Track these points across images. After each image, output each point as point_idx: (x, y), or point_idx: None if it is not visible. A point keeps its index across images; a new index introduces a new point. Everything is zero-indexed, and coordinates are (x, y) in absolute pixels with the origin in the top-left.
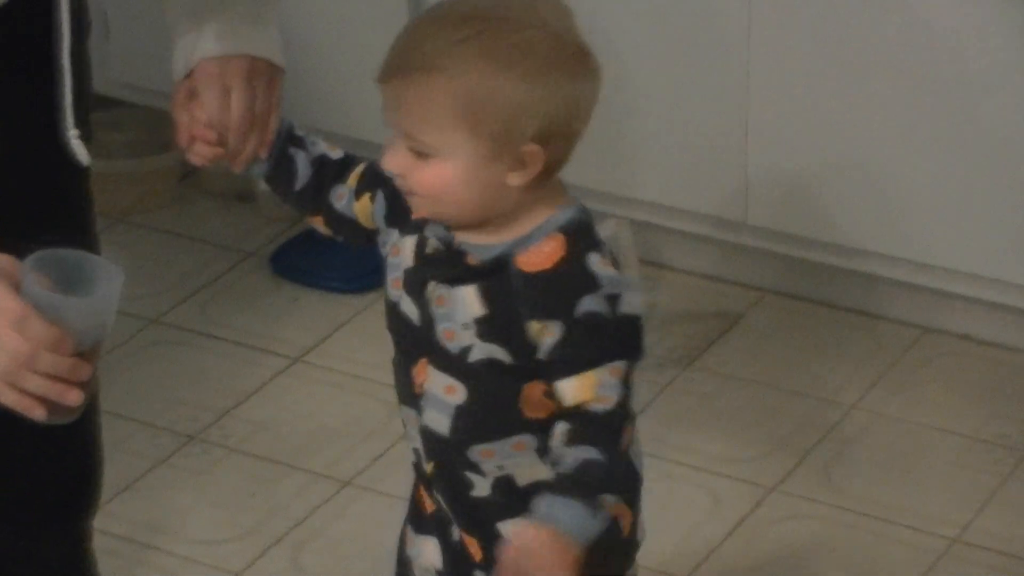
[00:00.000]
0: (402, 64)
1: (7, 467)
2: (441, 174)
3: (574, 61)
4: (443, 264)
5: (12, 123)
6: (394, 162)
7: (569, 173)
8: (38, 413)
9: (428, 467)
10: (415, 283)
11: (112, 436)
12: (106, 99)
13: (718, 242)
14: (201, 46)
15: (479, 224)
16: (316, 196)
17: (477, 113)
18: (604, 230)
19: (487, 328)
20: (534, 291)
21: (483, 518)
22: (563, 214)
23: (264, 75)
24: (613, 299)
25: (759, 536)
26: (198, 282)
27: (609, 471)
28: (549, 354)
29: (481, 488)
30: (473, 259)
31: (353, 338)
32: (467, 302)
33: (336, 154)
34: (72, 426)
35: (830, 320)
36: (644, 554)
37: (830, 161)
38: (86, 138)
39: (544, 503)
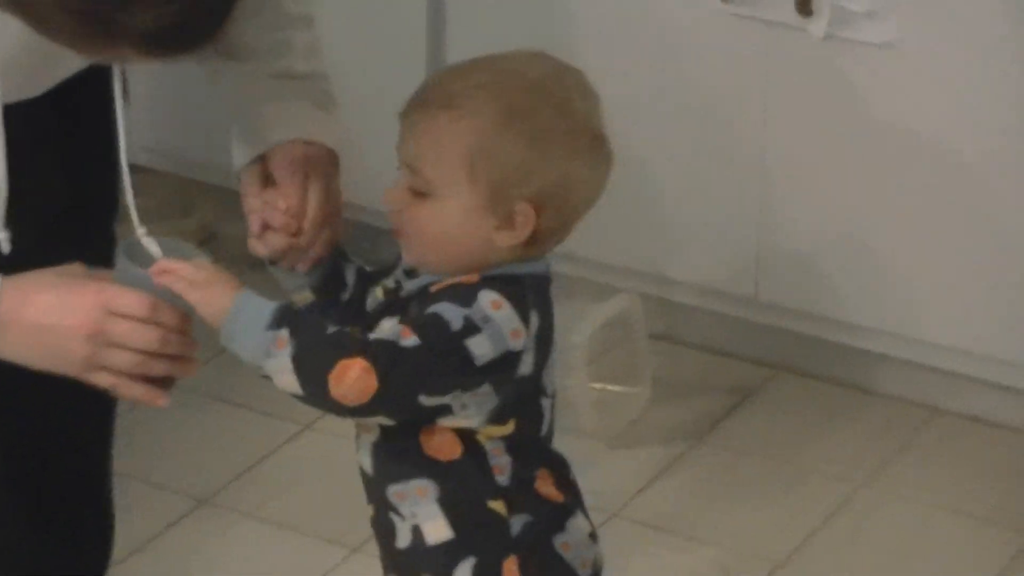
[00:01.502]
0: (423, 99)
1: (22, 528)
2: (433, 215)
3: (584, 140)
4: (387, 303)
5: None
6: (392, 196)
7: (584, 247)
8: (162, 402)
9: (369, 511)
10: (365, 328)
11: (125, 498)
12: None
13: (731, 318)
14: (280, 128)
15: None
16: (359, 308)
17: (479, 159)
18: (615, 304)
19: None
20: (420, 305)
21: (405, 572)
22: (502, 268)
23: (336, 166)
24: (470, 325)
25: None
26: (214, 348)
27: (314, 339)
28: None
29: (403, 536)
30: (404, 292)
31: None
32: (383, 331)
33: (372, 269)
34: (86, 488)
35: (841, 397)
36: None
37: (841, 240)
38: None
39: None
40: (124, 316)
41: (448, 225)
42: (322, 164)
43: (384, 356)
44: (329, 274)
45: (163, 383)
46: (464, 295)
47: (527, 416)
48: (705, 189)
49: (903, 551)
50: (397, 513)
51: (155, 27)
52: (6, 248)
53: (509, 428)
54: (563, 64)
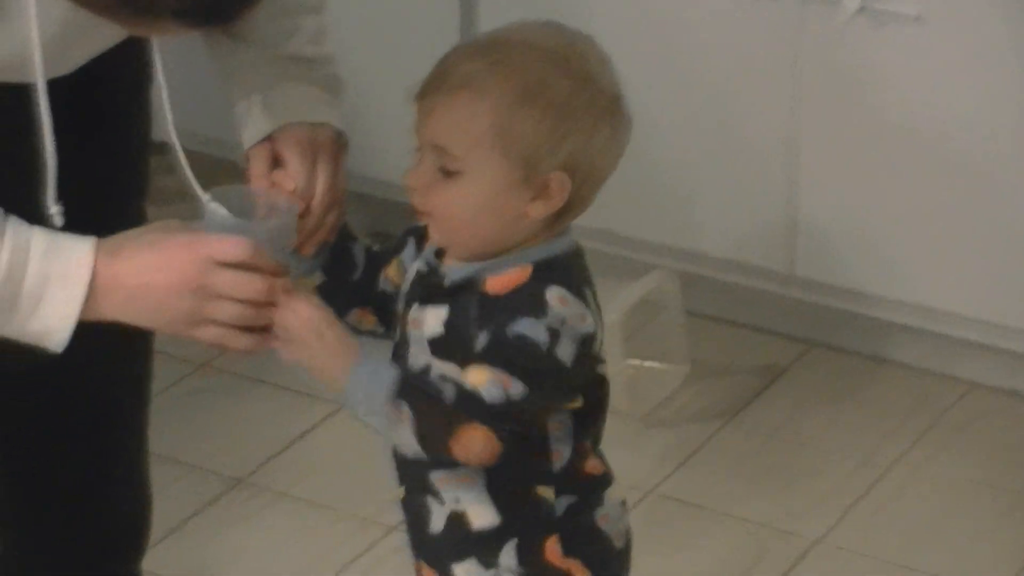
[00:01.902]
0: (440, 82)
1: (61, 510)
2: (464, 195)
3: (603, 103)
4: (423, 287)
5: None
6: (417, 177)
7: (618, 224)
8: (273, 345)
9: (399, 493)
10: (402, 308)
11: (161, 479)
12: (162, 145)
13: (764, 293)
14: (284, 111)
15: (489, 255)
16: (370, 286)
17: (510, 130)
18: (650, 281)
19: (441, 348)
20: (485, 311)
21: (439, 556)
22: (544, 249)
23: (344, 149)
24: (553, 334)
25: None
26: None
27: (434, 413)
28: (473, 356)
29: (437, 520)
30: (448, 281)
31: None
32: (430, 323)
33: (379, 247)
34: (124, 469)
35: (876, 374)
36: None
37: (876, 214)
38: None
39: (382, 345)
40: (227, 265)
41: (482, 203)
42: (330, 146)
43: (501, 416)
44: (338, 255)
45: (263, 329)
46: (533, 302)
47: (592, 386)
48: (737, 165)
49: (936, 527)
50: (436, 497)
51: (189, 5)
52: (59, 222)
53: (578, 402)
54: (573, 32)
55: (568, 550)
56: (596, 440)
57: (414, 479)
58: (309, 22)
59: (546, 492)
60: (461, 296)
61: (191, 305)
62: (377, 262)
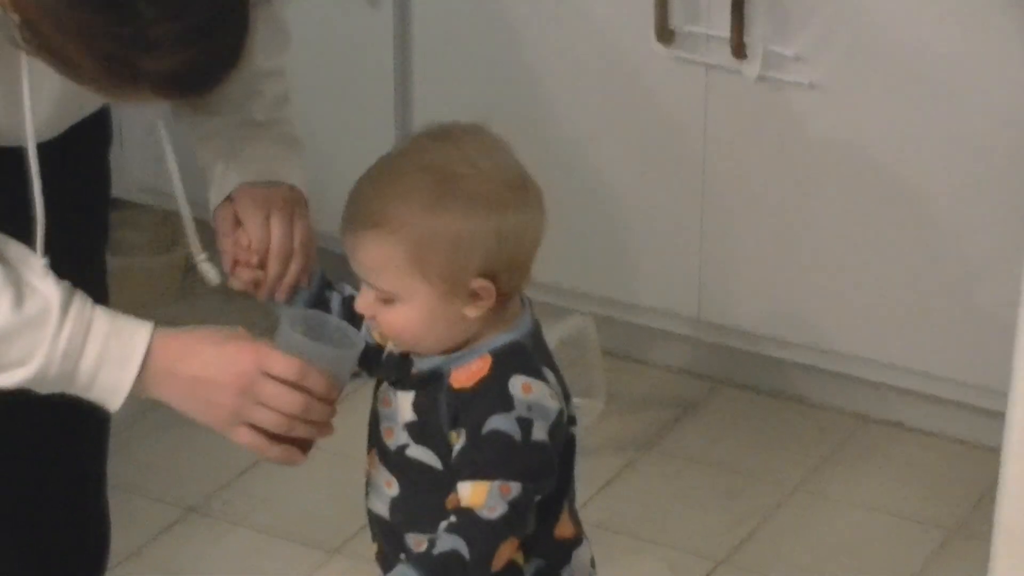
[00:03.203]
0: (353, 220)
1: (25, 536)
2: (404, 317)
3: (506, 195)
4: (393, 368)
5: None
6: (363, 306)
7: (542, 272)
8: (300, 460)
9: (376, 546)
10: (375, 384)
11: (119, 508)
12: (121, 201)
13: (674, 335)
14: (241, 172)
15: (451, 349)
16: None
17: (422, 258)
18: (570, 324)
19: (417, 433)
20: (455, 406)
21: None
22: (501, 338)
23: (301, 203)
24: (524, 423)
25: None
26: None
27: (467, 570)
28: (455, 459)
29: None
30: (416, 369)
31: (350, 419)
32: (403, 407)
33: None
34: (84, 497)
35: (777, 409)
36: None
37: (777, 263)
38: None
39: (398, 569)
40: (275, 378)
41: (421, 320)
42: (284, 201)
43: (514, 521)
44: (314, 303)
45: (301, 443)
46: (498, 396)
47: (565, 450)
48: (652, 217)
49: (835, 549)
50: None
51: (175, 70)
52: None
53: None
54: (461, 131)
55: None
56: (571, 499)
57: (389, 539)
58: (271, 89)
59: (517, 557)
60: (429, 385)
61: (235, 405)
62: (354, 309)
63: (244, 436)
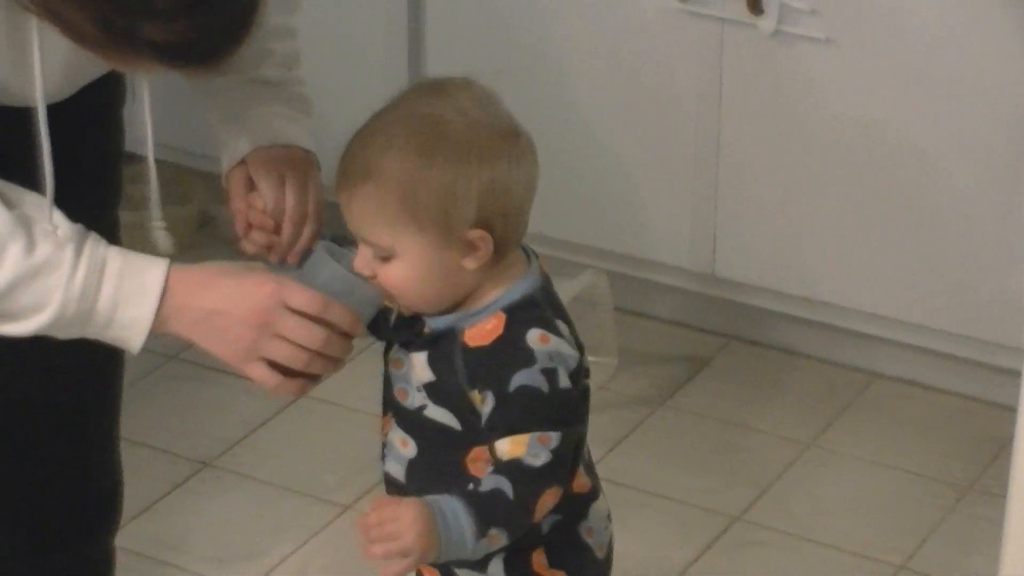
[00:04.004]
0: (346, 175)
1: (41, 489)
2: (403, 274)
3: (498, 145)
4: (403, 330)
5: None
6: (362, 264)
7: (554, 228)
8: (298, 393)
9: None
10: (385, 346)
11: (133, 462)
12: (134, 156)
13: (686, 292)
14: (254, 135)
15: (451, 308)
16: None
17: (414, 207)
18: (583, 280)
19: (435, 393)
20: (473, 364)
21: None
22: (510, 292)
23: (314, 166)
24: (549, 373)
25: (724, 560)
26: None
27: (511, 511)
28: (486, 421)
29: None
30: (427, 328)
31: (358, 376)
32: (417, 368)
33: None
34: (98, 453)
35: (789, 366)
36: None
37: (790, 218)
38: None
39: (443, 498)
40: (295, 311)
41: (420, 275)
42: (298, 164)
43: (555, 469)
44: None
45: (311, 378)
46: (518, 352)
47: (581, 402)
48: (666, 173)
49: (848, 506)
50: None
51: (168, 41)
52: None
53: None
54: (452, 85)
55: (553, 562)
56: (585, 452)
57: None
58: (280, 47)
59: None
60: (441, 343)
61: (253, 338)
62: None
63: (258, 371)
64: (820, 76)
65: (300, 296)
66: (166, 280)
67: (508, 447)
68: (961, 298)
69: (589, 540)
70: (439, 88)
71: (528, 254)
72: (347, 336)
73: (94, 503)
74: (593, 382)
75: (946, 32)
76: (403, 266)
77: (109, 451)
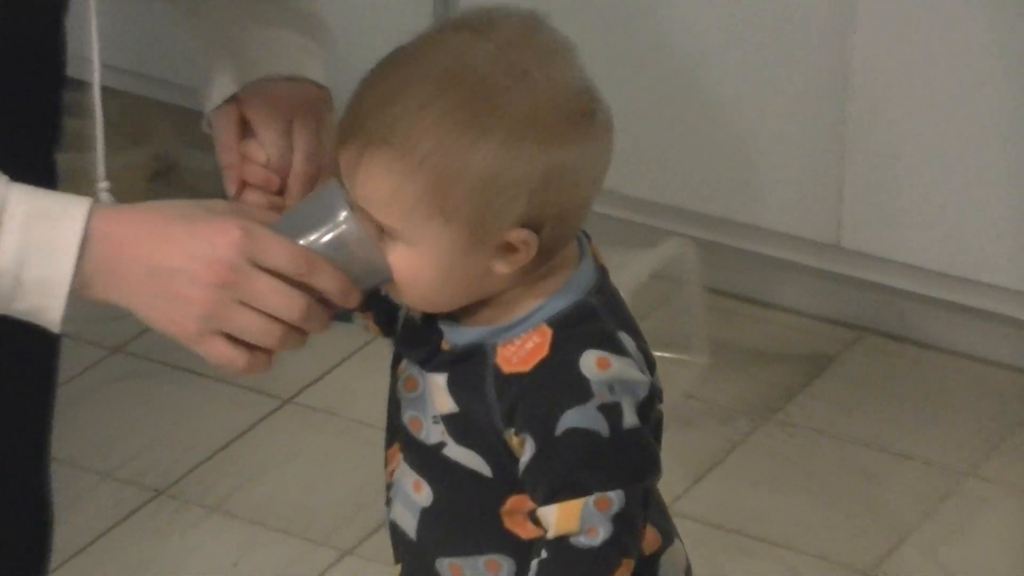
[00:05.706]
0: (357, 128)
1: None
2: (411, 263)
3: (562, 124)
4: (415, 341)
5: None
6: None
7: (630, 184)
8: (265, 368)
9: (397, 569)
10: (393, 356)
11: (67, 490)
12: (79, 83)
13: (807, 269)
14: (251, 64)
15: (469, 310)
16: (373, 293)
17: (443, 194)
18: (665, 251)
19: (459, 429)
20: (509, 396)
21: None
22: (557, 298)
23: (327, 107)
24: (610, 410)
25: None
26: None
27: None
28: (524, 474)
29: None
30: (446, 343)
31: (356, 375)
32: (436, 393)
33: None
34: (19, 479)
35: (940, 366)
36: None
37: (934, 182)
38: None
39: None
40: (268, 271)
41: (433, 274)
42: (310, 105)
43: (623, 538)
44: None
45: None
46: (569, 383)
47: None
48: (776, 114)
49: (1014, 554)
50: None
51: None
52: (106, 199)
53: None
54: (508, 25)
55: None
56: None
57: (415, 564)
58: None
59: None
60: (467, 364)
61: (210, 304)
62: None
63: (217, 347)
64: (968, 25)
65: (277, 250)
66: (88, 225)
67: (555, 517)
68: None
69: None
70: (490, 28)
71: (580, 240)
72: (329, 305)
73: (17, 543)
74: (677, 387)
75: None
76: (413, 256)
77: (36, 475)
